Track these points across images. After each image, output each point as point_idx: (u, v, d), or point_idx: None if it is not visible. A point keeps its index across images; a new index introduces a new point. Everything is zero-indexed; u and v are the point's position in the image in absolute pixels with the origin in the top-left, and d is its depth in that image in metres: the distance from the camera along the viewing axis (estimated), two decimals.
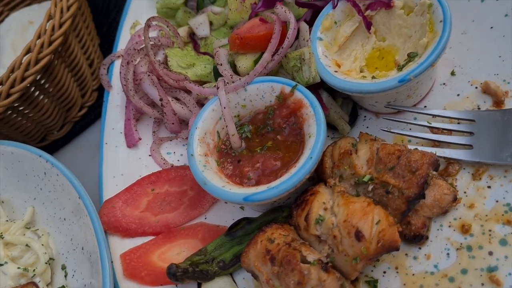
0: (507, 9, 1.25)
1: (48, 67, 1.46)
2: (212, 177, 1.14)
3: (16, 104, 1.43)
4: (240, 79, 1.24)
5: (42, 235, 1.34)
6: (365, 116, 1.30)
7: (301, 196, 1.12)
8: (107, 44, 1.83)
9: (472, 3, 1.30)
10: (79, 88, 1.66)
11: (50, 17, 1.42)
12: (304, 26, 1.25)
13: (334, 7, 1.24)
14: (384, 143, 1.11)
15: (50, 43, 1.40)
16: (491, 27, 1.26)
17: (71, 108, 1.67)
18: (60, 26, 1.42)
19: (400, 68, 1.13)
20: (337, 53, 1.24)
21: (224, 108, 1.19)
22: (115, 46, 1.60)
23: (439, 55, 1.07)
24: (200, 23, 1.52)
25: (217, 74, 1.34)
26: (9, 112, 1.44)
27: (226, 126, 1.21)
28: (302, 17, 1.31)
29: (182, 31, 1.54)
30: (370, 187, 1.06)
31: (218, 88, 1.21)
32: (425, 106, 1.25)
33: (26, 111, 1.49)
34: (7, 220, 1.38)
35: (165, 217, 1.28)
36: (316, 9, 1.29)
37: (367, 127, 1.29)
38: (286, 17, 1.25)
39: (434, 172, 1.07)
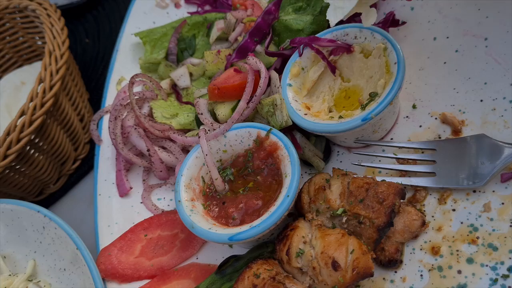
0: (456, 46, 1.37)
1: (42, 127, 1.55)
2: (199, 220, 1.22)
3: (13, 164, 1.52)
4: (219, 126, 1.34)
5: (44, 286, 1.41)
6: (338, 151, 1.40)
7: (282, 231, 1.21)
8: (96, 98, 1.93)
9: (426, 42, 1.42)
10: (71, 142, 1.75)
11: (41, 81, 1.53)
12: (274, 74, 1.36)
13: (300, 55, 1.35)
14: (355, 177, 1.21)
15: (42, 105, 1.50)
16: (444, 62, 1.37)
17: (65, 162, 1.76)
18: (51, 88, 1.53)
19: (363, 107, 1.24)
20: (306, 96, 1.35)
21: (206, 155, 1.29)
22: (103, 102, 1.71)
23: (396, 94, 1.17)
24: (181, 75, 1.63)
25: (199, 122, 1.45)
26: (7, 171, 1.53)
27: (210, 171, 1.30)
28: (272, 66, 1.42)
29: (165, 84, 1.65)
30: (344, 219, 1.15)
31: (199, 137, 1.31)
32: (391, 139, 1.35)
33: (23, 169, 1.58)
34: (9, 275, 1.45)
35: (159, 260, 1.36)
36: (285, 58, 1.40)
37: (341, 162, 1.38)
38: (257, 67, 1.36)
39: (402, 200, 1.17)
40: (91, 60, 2.11)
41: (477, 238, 1.13)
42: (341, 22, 1.42)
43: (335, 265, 1.06)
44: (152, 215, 1.46)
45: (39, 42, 2.05)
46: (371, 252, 1.11)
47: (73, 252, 1.33)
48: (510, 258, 1.07)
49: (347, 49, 1.32)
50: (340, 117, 1.26)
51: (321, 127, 1.22)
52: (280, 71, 1.39)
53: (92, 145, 1.82)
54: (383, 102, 1.17)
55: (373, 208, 1.12)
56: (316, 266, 1.08)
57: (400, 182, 1.21)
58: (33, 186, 1.70)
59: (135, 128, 1.49)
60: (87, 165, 1.80)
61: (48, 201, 1.78)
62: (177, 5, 1.89)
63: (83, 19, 2.28)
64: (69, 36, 2.20)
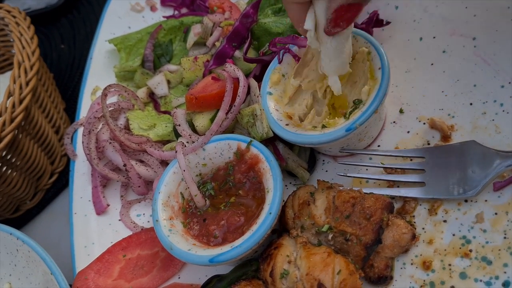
0: (444, 46, 1.30)
1: (13, 142, 1.48)
2: (178, 241, 1.16)
3: None
4: (198, 139, 1.28)
5: None
6: (323, 160, 1.34)
7: (266, 250, 1.15)
8: (73, 107, 1.84)
9: (411, 42, 1.36)
10: (47, 156, 1.68)
11: (10, 94, 1.45)
12: (253, 83, 1.29)
13: (279, 62, 1.28)
14: (341, 189, 1.15)
15: (12, 120, 1.42)
16: (432, 64, 1.31)
17: (42, 176, 1.69)
18: (21, 102, 1.45)
19: (346, 116, 1.17)
20: (288, 104, 1.28)
21: (184, 171, 1.22)
22: (77, 113, 1.63)
23: (381, 102, 1.10)
24: (158, 83, 1.56)
25: (177, 133, 1.38)
26: None
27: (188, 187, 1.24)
28: (252, 72, 1.35)
29: (141, 92, 1.57)
30: (330, 236, 1.09)
31: (176, 152, 1.24)
32: (378, 146, 1.29)
33: None
34: None
35: (139, 282, 1.29)
36: (264, 63, 1.33)
37: (326, 171, 1.32)
38: (235, 75, 1.29)
39: (390, 214, 1.10)
40: (67, 67, 2.02)
41: (470, 251, 1.07)
42: None
43: None
44: (131, 233, 1.40)
45: (13, 51, 1.96)
46: (359, 270, 1.05)
47: (47, 276, 1.26)
48: (505, 273, 1.02)
49: None
50: (324, 126, 1.19)
51: (303, 138, 1.16)
52: (260, 77, 1.32)
53: (69, 158, 1.75)
54: (368, 110, 1.10)
55: (360, 225, 1.06)
56: None
57: (388, 194, 1.15)
58: (8, 203, 1.62)
59: (110, 143, 1.42)
60: (65, 178, 1.73)
61: (25, 218, 1.70)
62: (153, 8, 1.81)
63: (58, 24, 2.19)
64: (44, 41, 2.15)
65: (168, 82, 1.57)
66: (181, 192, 1.26)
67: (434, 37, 1.33)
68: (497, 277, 1.02)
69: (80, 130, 1.59)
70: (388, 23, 1.39)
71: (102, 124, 1.48)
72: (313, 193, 1.16)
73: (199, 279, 1.28)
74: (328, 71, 1.13)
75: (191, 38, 1.55)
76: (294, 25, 1.10)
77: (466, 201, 1.12)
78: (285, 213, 1.19)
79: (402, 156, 1.21)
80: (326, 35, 1.04)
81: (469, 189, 1.10)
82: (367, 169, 1.26)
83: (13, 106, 1.43)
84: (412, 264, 1.11)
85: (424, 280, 1.08)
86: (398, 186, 1.20)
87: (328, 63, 1.11)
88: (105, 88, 1.44)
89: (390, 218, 1.10)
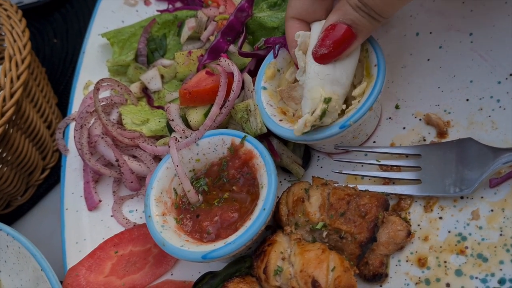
0: (440, 41, 1.29)
1: (4, 137, 1.45)
2: (170, 237, 1.14)
3: None
4: (191, 134, 1.26)
5: None
6: (318, 157, 1.32)
7: (260, 246, 1.14)
8: (65, 102, 1.81)
9: (408, 38, 1.34)
10: (38, 151, 1.66)
11: (0, 88, 1.43)
12: (247, 77, 1.27)
13: (275, 56, 1.26)
14: (335, 187, 1.13)
15: (3, 114, 1.40)
16: (428, 59, 1.30)
17: (33, 172, 1.66)
18: (12, 96, 1.42)
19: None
20: (282, 100, 1.26)
21: (177, 166, 1.20)
22: (69, 108, 1.61)
23: (376, 99, 1.09)
24: (152, 78, 1.54)
25: (170, 128, 1.36)
26: None
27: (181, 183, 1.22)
28: (246, 67, 1.33)
29: (135, 87, 1.55)
30: (325, 234, 1.08)
31: (169, 146, 1.22)
32: (374, 142, 1.28)
33: None
34: None
35: (131, 279, 1.28)
36: (259, 58, 1.31)
37: (321, 167, 1.31)
38: (230, 69, 1.28)
39: (386, 212, 1.09)
40: (59, 62, 2.00)
41: (466, 248, 1.06)
42: None
43: (315, 285, 0.99)
44: (123, 229, 1.38)
45: (4, 44, 1.94)
46: (354, 267, 1.04)
47: (38, 273, 1.24)
48: (500, 270, 1.01)
49: None
50: None
51: None
52: (255, 72, 1.30)
53: (61, 153, 1.72)
54: (362, 107, 1.08)
55: (355, 223, 1.05)
56: (295, 285, 1.01)
57: (383, 191, 1.14)
58: None
59: (102, 138, 1.40)
60: (57, 174, 1.71)
61: (16, 214, 1.68)
62: (146, 2, 1.79)
63: (51, 18, 2.16)
64: (37, 36, 2.13)
65: (162, 76, 1.55)
66: (174, 188, 1.25)
67: (430, 33, 1.32)
68: (493, 274, 1.01)
69: (72, 125, 1.57)
70: None
71: (95, 119, 1.46)
72: (307, 189, 1.15)
73: (192, 276, 1.27)
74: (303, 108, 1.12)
75: (185, 32, 1.53)
76: (288, 44, 1.20)
77: (462, 198, 1.11)
78: (279, 210, 1.17)
79: (398, 154, 1.20)
80: (312, 60, 1.09)
81: (465, 187, 1.08)
82: (362, 166, 1.25)
83: (4, 100, 1.41)
84: (407, 261, 1.10)
85: (419, 277, 1.07)
86: (393, 183, 1.19)
87: (305, 97, 1.11)
88: (98, 82, 1.42)
89: (385, 215, 1.09)
